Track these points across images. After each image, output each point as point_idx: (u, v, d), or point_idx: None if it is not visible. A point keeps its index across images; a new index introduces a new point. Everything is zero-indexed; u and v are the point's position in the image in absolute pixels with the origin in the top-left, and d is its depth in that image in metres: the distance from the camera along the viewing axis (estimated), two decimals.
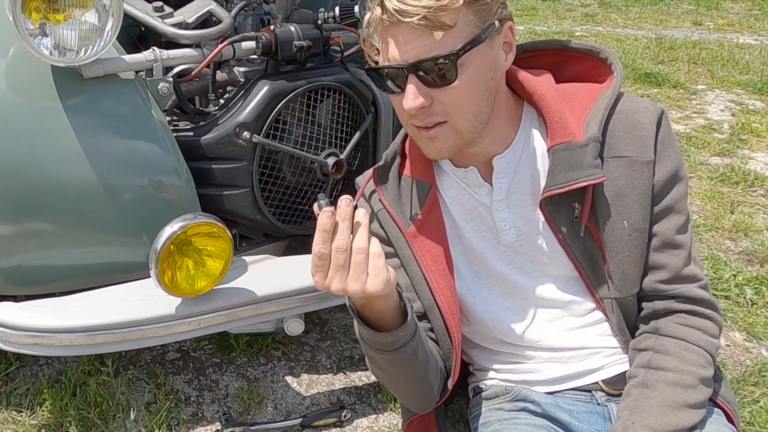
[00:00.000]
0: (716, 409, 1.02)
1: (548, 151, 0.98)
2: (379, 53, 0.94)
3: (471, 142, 0.96)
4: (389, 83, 0.93)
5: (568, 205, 0.98)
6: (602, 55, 1.04)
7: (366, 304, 0.91)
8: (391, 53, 0.90)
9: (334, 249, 0.80)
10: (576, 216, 0.97)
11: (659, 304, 1.00)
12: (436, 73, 0.88)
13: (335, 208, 0.80)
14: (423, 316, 1.07)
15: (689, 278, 0.99)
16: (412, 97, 0.89)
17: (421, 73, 0.88)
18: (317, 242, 0.80)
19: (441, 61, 0.87)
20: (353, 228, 0.81)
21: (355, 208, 0.82)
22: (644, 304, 1.02)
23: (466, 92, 0.90)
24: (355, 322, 0.96)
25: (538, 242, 1.02)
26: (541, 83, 1.01)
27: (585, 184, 0.94)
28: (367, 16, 0.93)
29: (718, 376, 1.06)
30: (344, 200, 0.80)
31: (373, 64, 0.95)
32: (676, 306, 0.99)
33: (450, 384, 1.10)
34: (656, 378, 0.95)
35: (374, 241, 0.83)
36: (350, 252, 0.81)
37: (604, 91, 1.00)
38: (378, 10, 0.88)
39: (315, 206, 0.82)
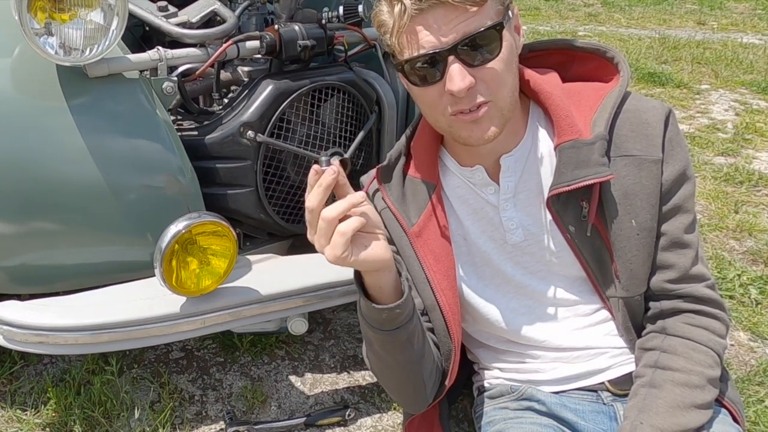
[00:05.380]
0: (722, 409, 1.02)
1: (555, 148, 0.98)
2: (402, 49, 0.91)
3: (507, 123, 0.95)
4: (422, 75, 0.90)
5: (576, 203, 0.98)
6: (609, 54, 1.03)
7: (363, 273, 0.92)
8: (425, 41, 0.87)
9: (306, 207, 0.83)
10: (584, 215, 0.97)
11: (666, 304, 1.00)
12: (480, 48, 0.87)
13: (325, 169, 0.82)
14: (423, 314, 1.07)
15: (697, 278, 0.99)
16: (459, 77, 0.87)
17: (465, 51, 0.87)
18: (306, 193, 0.84)
19: (489, 32, 0.87)
20: (343, 200, 0.83)
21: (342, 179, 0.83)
22: (651, 304, 1.02)
23: (505, 67, 0.90)
24: (359, 296, 0.96)
25: (546, 242, 1.02)
26: (547, 82, 1.01)
27: (592, 181, 0.94)
28: (384, 16, 0.91)
29: (724, 376, 1.06)
30: (329, 169, 0.81)
31: (401, 60, 0.92)
32: (683, 306, 0.99)
33: (447, 383, 1.10)
34: (664, 378, 0.95)
35: (352, 221, 0.83)
36: (317, 215, 0.82)
37: (611, 90, 1.00)
38: (407, 1, 0.86)
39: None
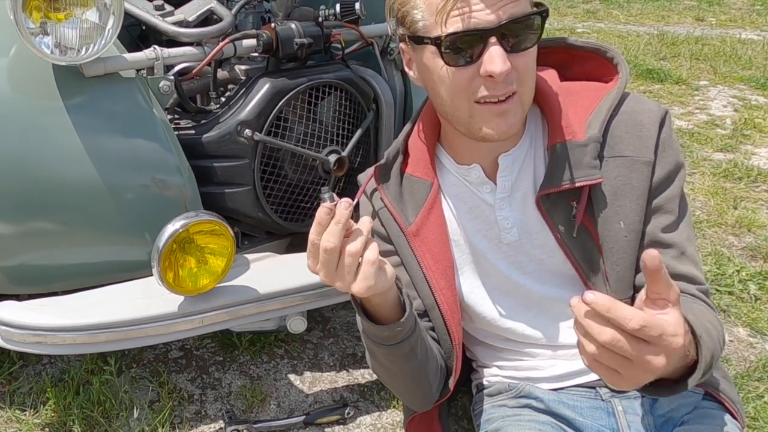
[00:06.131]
0: (719, 406, 1.02)
1: (547, 148, 0.97)
2: (443, 25, 0.87)
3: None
4: (458, 55, 0.87)
5: (566, 204, 0.97)
6: (609, 54, 1.03)
7: (362, 297, 0.91)
8: (472, 17, 0.84)
9: (321, 248, 0.80)
10: (573, 215, 0.97)
11: None
12: (520, 36, 0.86)
13: (335, 205, 0.80)
14: (423, 315, 1.07)
15: (687, 278, 0.96)
16: (501, 60, 0.84)
17: (508, 34, 0.85)
18: (312, 232, 0.81)
19: (534, 17, 0.86)
20: (355, 231, 0.81)
21: (356, 209, 0.82)
22: None
23: (533, 60, 0.90)
24: (357, 314, 0.96)
25: (539, 240, 1.01)
26: (544, 81, 1.00)
27: (581, 184, 0.93)
28: None
29: (721, 372, 1.06)
30: (343, 203, 0.80)
31: (439, 35, 0.87)
32: (684, 296, 0.93)
33: (451, 383, 1.10)
34: (697, 309, 0.89)
35: (373, 247, 0.82)
36: (341, 253, 0.80)
37: (609, 91, 0.99)
38: None
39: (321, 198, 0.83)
